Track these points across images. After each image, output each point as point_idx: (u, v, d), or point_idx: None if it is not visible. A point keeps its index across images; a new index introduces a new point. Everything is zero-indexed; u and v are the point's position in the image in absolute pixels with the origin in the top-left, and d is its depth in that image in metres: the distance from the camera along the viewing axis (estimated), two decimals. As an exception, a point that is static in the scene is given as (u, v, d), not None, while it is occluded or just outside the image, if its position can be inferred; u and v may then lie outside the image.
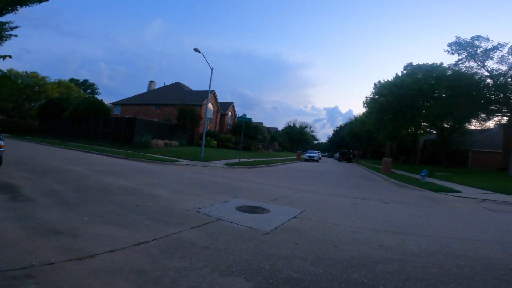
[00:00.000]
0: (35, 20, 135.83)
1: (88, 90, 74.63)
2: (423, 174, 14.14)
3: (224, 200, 6.16)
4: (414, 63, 30.32)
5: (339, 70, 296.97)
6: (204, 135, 19.48)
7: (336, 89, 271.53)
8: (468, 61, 23.11)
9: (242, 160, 19.99)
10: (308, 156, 36.94)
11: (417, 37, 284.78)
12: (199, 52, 18.76)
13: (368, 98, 34.68)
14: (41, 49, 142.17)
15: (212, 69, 20.26)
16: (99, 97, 72.93)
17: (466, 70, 22.80)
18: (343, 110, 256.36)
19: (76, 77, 75.05)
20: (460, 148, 32.88)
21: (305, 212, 5.62)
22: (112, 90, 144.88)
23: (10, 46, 20.47)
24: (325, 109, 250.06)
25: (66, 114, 32.88)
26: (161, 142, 24.13)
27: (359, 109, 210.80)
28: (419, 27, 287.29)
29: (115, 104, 40.04)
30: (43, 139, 27.21)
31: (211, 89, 39.10)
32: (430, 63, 28.33)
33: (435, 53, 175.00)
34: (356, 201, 7.61)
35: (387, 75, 40.86)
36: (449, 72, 24.08)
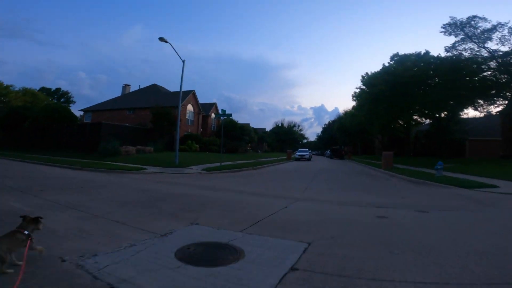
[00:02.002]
0: (8, 31, 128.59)
1: (62, 99, 70.24)
2: (439, 167, 11.78)
3: (165, 232, 3.44)
4: (401, 53, 28.55)
5: (322, 68, 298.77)
6: (177, 136, 16.70)
7: (321, 87, 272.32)
8: (466, 43, 21.27)
9: (224, 163, 17.23)
10: (299, 155, 34.40)
11: (400, 28, 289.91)
12: (166, 42, 15.94)
13: (358, 90, 32.58)
14: (17, 60, 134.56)
15: (183, 62, 17.48)
16: (74, 106, 68.70)
17: (465, 52, 20.97)
18: (329, 108, 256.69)
19: (55, 88, 70.89)
20: (456, 137, 31.20)
21: (314, 249, 2.97)
22: (94, 100, 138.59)
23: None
24: (311, 108, 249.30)
25: (27, 123, 29.42)
26: (132, 149, 21.07)
27: (345, 105, 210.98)
28: (402, 18, 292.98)
29: (85, 110, 36.50)
30: (3, 152, 23.62)
31: (191, 89, 36.25)
32: (416, 52, 26.51)
33: (421, 42, 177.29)
34: (381, 212, 5.03)
35: (372, 68, 39.16)
36: (445, 55, 22.23)
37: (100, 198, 5.74)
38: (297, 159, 33.67)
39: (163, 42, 15.77)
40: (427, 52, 24.35)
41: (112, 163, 15.41)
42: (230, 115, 16.63)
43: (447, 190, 8.60)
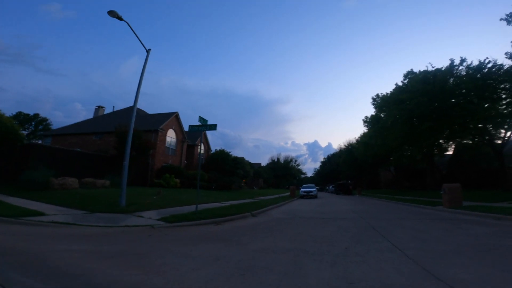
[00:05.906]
0: (12, 56, 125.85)
1: (40, 127, 63.84)
2: None
3: None
4: (415, 70, 23.79)
5: (315, 103, 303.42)
6: (126, 163, 10.50)
7: (314, 122, 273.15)
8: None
9: (205, 206, 10.87)
10: (305, 192, 28.15)
11: (401, 57, 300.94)
12: (121, 19, 10.48)
13: (374, 112, 27.26)
14: (16, 88, 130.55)
15: (148, 51, 11.98)
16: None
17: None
18: (323, 144, 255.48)
19: (34, 113, 64.71)
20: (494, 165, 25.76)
21: None
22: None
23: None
24: (305, 144, 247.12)
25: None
26: (73, 181, 14.56)
27: (339, 141, 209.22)
28: (399, 45, 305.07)
29: (45, 135, 30.19)
30: None
31: (174, 111, 30.62)
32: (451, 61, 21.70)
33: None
34: None
35: (367, 109, 34.53)
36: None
37: None
38: (302, 197, 27.49)
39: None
40: (463, 60, 19.41)
41: (8, 200, 8.93)
42: (215, 126, 10.62)
43: None
